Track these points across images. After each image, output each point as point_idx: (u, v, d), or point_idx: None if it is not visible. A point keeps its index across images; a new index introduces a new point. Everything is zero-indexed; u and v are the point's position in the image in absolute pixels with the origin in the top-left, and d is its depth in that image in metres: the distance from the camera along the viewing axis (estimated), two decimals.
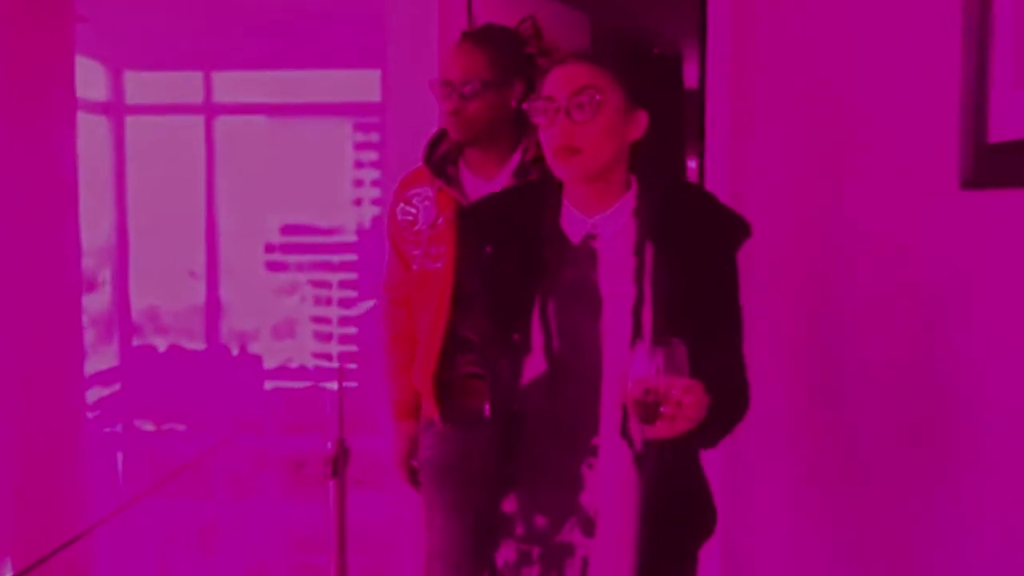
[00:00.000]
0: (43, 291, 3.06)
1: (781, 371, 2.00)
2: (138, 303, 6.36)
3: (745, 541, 2.30)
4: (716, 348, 1.35)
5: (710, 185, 2.50)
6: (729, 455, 2.20)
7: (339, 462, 1.80)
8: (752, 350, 1.46)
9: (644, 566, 1.39)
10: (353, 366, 6.70)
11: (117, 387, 6.12)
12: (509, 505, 1.44)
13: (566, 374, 1.39)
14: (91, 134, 5.84)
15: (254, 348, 6.70)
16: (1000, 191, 1.18)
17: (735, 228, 1.43)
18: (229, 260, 6.41)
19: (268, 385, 6.54)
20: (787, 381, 2.00)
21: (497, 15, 2.17)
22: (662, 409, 1.20)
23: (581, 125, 1.34)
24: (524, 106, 1.41)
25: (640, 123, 1.39)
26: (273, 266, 7.08)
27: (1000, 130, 1.17)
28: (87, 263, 5.05)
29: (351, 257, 7.05)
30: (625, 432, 1.37)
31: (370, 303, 6.64)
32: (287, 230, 7.05)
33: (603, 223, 1.41)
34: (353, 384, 4.57)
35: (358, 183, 6.99)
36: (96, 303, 6.02)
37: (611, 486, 1.39)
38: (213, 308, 6.39)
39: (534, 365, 1.40)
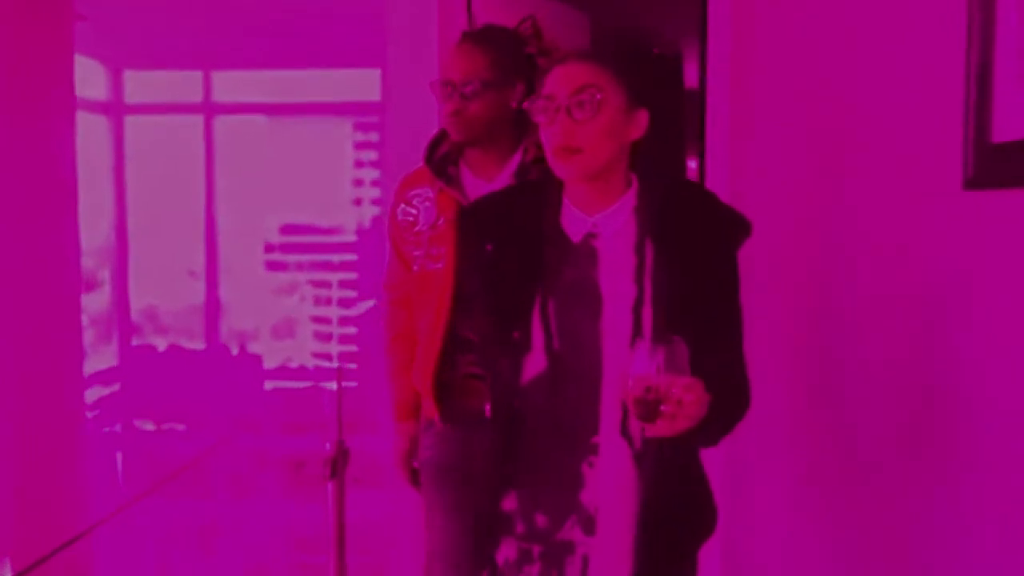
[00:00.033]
0: (42, 291, 3.06)
1: (781, 371, 2.00)
2: (137, 303, 6.35)
3: (745, 541, 2.30)
4: (717, 347, 1.35)
5: (710, 185, 2.50)
6: (729, 455, 2.20)
7: (338, 463, 1.80)
8: (752, 350, 1.46)
9: (644, 564, 1.39)
10: (353, 366, 6.69)
11: (116, 387, 6.12)
12: (509, 503, 1.44)
13: (566, 373, 1.39)
14: (90, 133, 5.83)
15: (254, 348, 6.69)
16: (1003, 191, 1.18)
17: (736, 227, 1.43)
18: (229, 260, 6.41)
19: (268, 385, 6.53)
20: (787, 381, 2.00)
21: (497, 15, 2.17)
22: (663, 407, 1.20)
23: (582, 124, 1.34)
24: (525, 105, 1.41)
25: (641, 122, 1.39)
26: (273, 266, 7.07)
27: (1004, 130, 1.16)
28: (86, 262, 5.04)
29: (351, 257, 7.05)
30: (625, 431, 1.37)
31: (370, 303, 6.64)
32: (287, 230, 7.05)
33: (604, 222, 1.41)
34: (353, 384, 4.57)
35: (358, 183, 6.99)
36: (95, 303, 6.02)
37: (611, 484, 1.39)
38: (213, 308, 6.39)
39: (534, 364, 1.40)
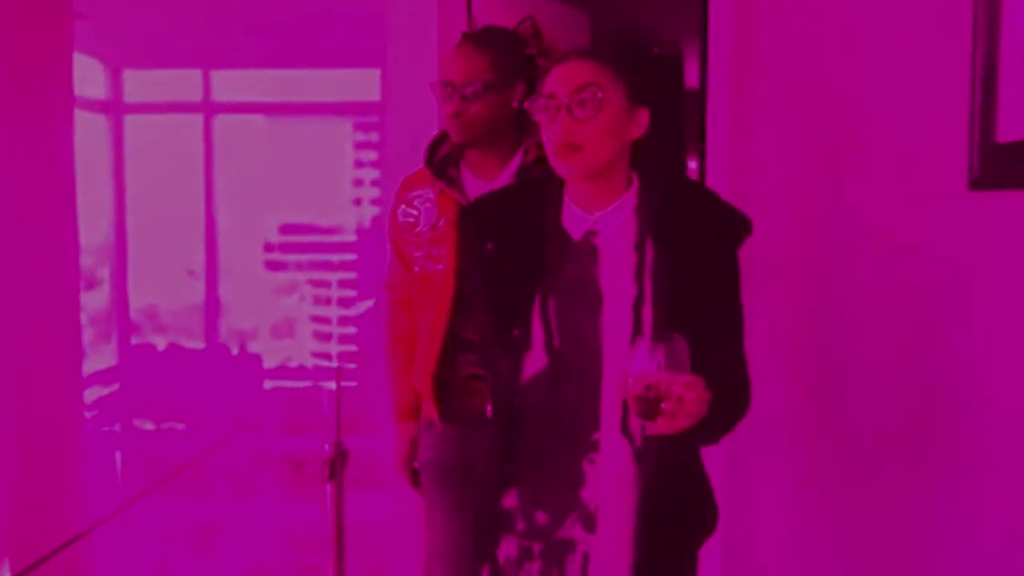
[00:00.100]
0: (41, 290, 3.05)
1: (781, 371, 1.99)
2: (137, 302, 6.35)
3: (745, 540, 2.30)
4: (717, 345, 1.35)
5: (711, 185, 2.49)
6: (730, 454, 2.20)
7: (337, 464, 1.80)
8: (752, 349, 1.46)
9: (645, 562, 1.39)
10: (352, 366, 6.69)
11: (116, 386, 6.12)
12: (510, 501, 1.44)
13: (567, 370, 1.39)
14: (89, 132, 5.83)
15: (253, 347, 6.69)
16: (1009, 192, 1.18)
17: (736, 225, 1.43)
18: (228, 259, 6.41)
19: (267, 384, 6.53)
20: (787, 381, 2.00)
21: (497, 15, 2.17)
22: (663, 405, 1.20)
23: (583, 123, 1.34)
24: (526, 104, 1.41)
25: (641, 121, 1.39)
26: (272, 265, 7.07)
27: (1009, 130, 1.16)
28: (85, 261, 5.04)
29: (351, 257, 7.05)
30: (626, 428, 1.37)
31: (369, 303, 6.64)
32: (286, 229, 7.04)
33: (604, 220, 1.41)
34: (352, 384, 4.57)
35: (358, 183, 6.99)
36: (95, 302, 6.02)
37: (612, 482, 1.39)
38: (212, 307, 6.39)
39: (535, 362, 1.40)
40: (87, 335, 5.41)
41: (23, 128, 2.93)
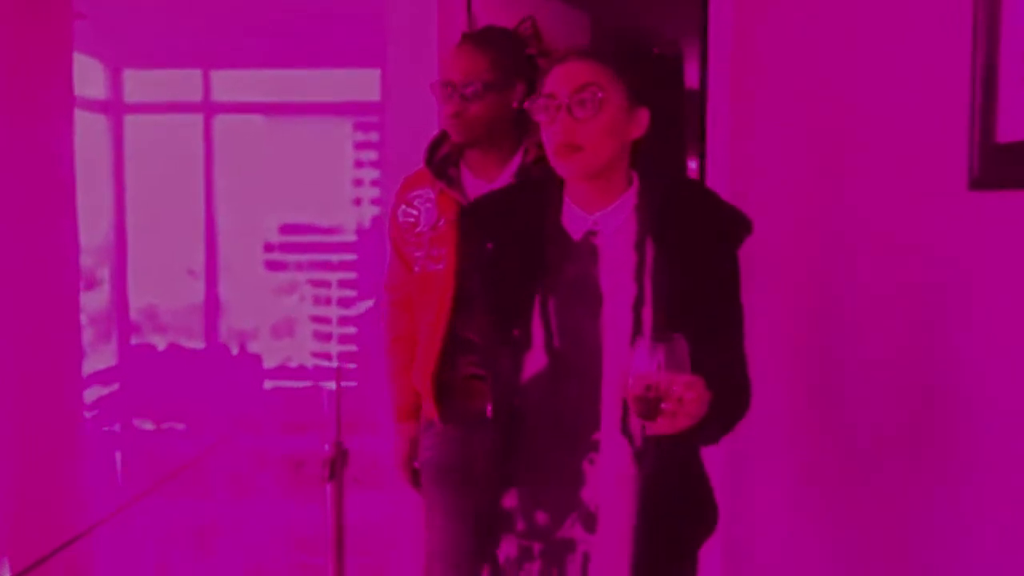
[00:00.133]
0: (41, 290, 3.05)
1: (781, 371, 1.99)
2: (137, 302, 6.34)
3: (746, 539, 2.30)
4: (717, 345, 1.35)
5: (711, 185, 2.49)
6: (730, 454, 2.20)
7: (336, 465, 1.79)
8: (752, 349, 1.46)
9: (645, 562, 1.39)
10: (352, 366, 6.69)
11: (116, 386, 6.11)
12: (510, 501, 1.44)
13: (567, 370, 1.39)
14: (89, 132, 5.82)
15: (253, 347, 6.68)
16: (1009, 192, 1.17)
17: (736, 225, 1.43)
18: (228, 259, 6.40)
19: (267, 384, 6.52)
20: (787, 381, 2.00)
21: (497, 15, 2.17)
22: (663, 405, 1.20)
23: (583, 122, 1.34)
24: (526, 104, 1.41)
25: (642, 121, 1.39)
26: (272, 265, 7.06)
27: (1009, 130, 1.16)
28: (85, 261, 5.04)
29: (351, 256, 7.04)
30: (626, 428, 1.37)
31: (369, 303, 6.64)
32: (286, 229, 7.04)
33: (604, 219, 1.41)
34: (352, 384, 4.57)
35: (358, 183, 6.98)
36: (94, 301, 6.01)
37: (612, 482, 1.39)
38: (212, 307, 6.38)
39: (535, 361, 1.40)
40: (87, 335, 5.41)
41: (23, 128, 2.93)
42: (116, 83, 6.14)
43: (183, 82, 6.20)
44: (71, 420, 3.36)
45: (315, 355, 7.02)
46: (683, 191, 1.48)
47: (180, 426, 6.19)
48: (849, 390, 1.72)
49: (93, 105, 5.94)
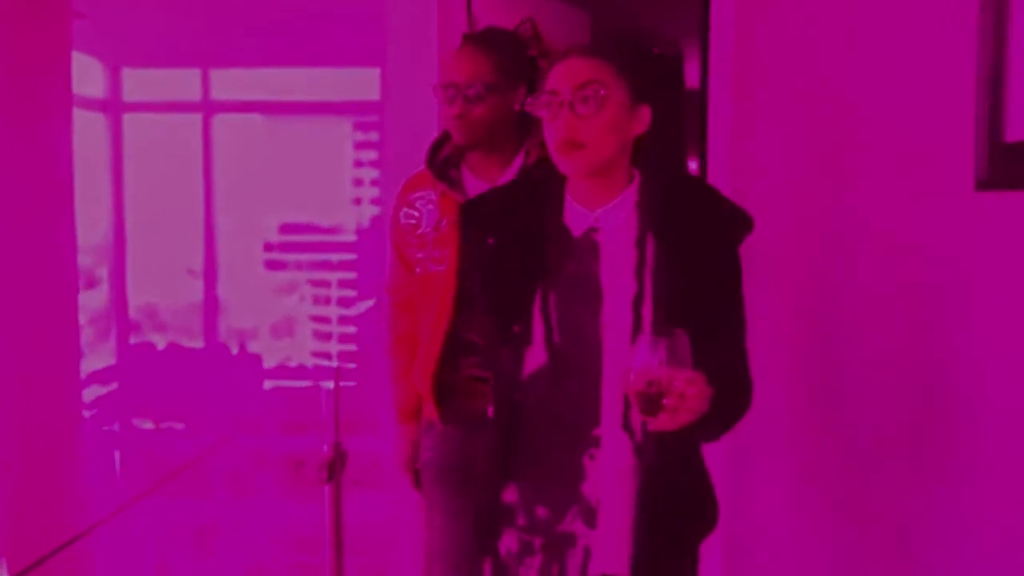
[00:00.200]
0: (39, 289, 3.05)
1: (781, 370, 1.99)
2: (136, 301, 6.34)
3: (746, 537, 2.30)
4: (718, 342, 1.35)
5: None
6: (730, 452, 2.20)
7: (335, 466, 1.79)
8: (752, 348, 1.46)
9: (645, 556, 1.39)
10: (352, 366, 6.69)
11: (115, 386, 6.11)
12: (510, 495, 1.44)
13: (567, 366, 1.39)
14: (88, 131, 5.82)
15: (253, 347, 6.68)
16: (1017, 192, 1.17)
17: (737, 222, 1.43)
18: (228, 258, 6.40)
19: (267, 384, 6.52)
20: (787, 380, 2.00)
21: (497, 15, 2.17)
22: (664, 401, 1.20)
23: (585, 119, 1.34)
24: (528, 101, 1.41)
25: (643, 118, 1.39)
26: (272, 265, 7.06)
27: (1017, 129, 1.14)
28: (84, 260, 5.04)
29: (350, 256, 7.04)
30: (627, 424, 1.37)
31: (369, 302, 6.63)
32: (286, 229, 7.04)
33: (605, 216, 1.41)
34: (352, 384, 4.57)
35: (357, 182, 6.98)
36: (93, 301, 6.01)
37: (613, 477, 1.39)
38: (211, 306, 6.38)
39: (535, 357, 1.40)
40: (86, 334, 5.40)
41: (22, 127, 2.93)
42: (115, 82, 6.13)
43: (182, 81, 6.20)
44: (70, 419, 3.36)
45: (315, 355, 7.02)
46: (684, 188, 1.48)
47: (180, 426, 6.19)
48: (849, 390, 1.72)
49: (92, 104, 5.94)
